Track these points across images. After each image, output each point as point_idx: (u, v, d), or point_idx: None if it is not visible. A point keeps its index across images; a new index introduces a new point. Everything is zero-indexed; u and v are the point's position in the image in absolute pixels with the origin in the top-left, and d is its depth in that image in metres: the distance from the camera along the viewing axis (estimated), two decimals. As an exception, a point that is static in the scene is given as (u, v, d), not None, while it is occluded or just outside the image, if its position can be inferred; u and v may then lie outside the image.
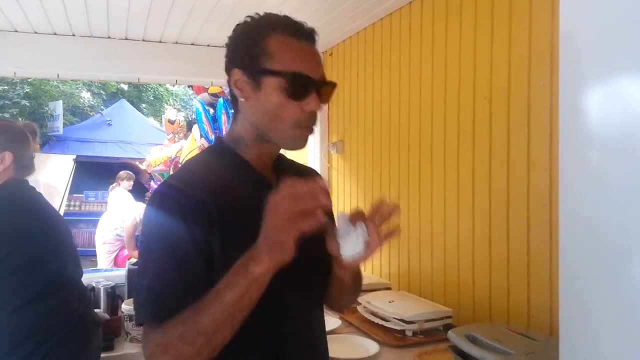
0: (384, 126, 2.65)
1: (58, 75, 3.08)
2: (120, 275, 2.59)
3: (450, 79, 2.16)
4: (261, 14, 1.04)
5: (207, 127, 6.18)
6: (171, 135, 7.03)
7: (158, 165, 6.44)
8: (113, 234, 5.51)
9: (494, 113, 1.92)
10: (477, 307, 2.01)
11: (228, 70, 1.03)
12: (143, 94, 14.74)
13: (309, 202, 0.80)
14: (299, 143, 1.04)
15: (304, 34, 1.01)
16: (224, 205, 0.97)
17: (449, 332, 1.65)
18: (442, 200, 2.22)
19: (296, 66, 0.98)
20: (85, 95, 13.74)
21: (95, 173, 7.36)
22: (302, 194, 0.80)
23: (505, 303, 1.87)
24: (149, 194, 6.45)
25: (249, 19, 1.04)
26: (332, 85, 1.04)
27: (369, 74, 2.79)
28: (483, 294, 1.98)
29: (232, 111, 1.12)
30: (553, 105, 1.63)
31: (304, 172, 1.22)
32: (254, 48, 0.99)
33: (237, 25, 1.05)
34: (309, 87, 0.99)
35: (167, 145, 6.78)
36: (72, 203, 8.42)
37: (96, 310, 2.05)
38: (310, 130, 1.04)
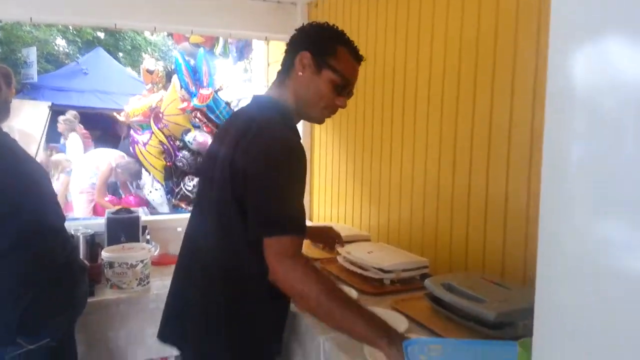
0: (368, 82, 2.62)
1: (31, 19, 2.94)
2: (99, 223, 2.58)
3: (437, 37, 2.13)
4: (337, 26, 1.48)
5: (187, 79, 6.02)
6: (150, 85, 6.82)
7: (137, 115, 6.28)
8: (89, 183, 5.42)
9: (479, 70, 1.91)
10: (454, 259, 2.06)
11: (299, 48, 1.40)
12: (120, 42, 14.23)
13: None
14: (321, 121, 1.50)
15: (359, 59, 1.48)
16: None
17: (426, 280, 1.69)
18: (423, 153, 2.23)
19: (348, 75, 1.42)
20: (60, 42, 13.23)
21: (71, 122, 7.14)
22: None
23: (481, 255, 1.92)
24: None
25: (327, 25, 1.47)
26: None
27: (354, 29, 2.72)
28: (459, 246, 2.02)
29: (280, 76, 1.47)
30: (539, 67, 1.63)
31: None
32: (328, 47, 1.40)
33: (316, 24, 1.48)
34: (346, 91, 1.46)
35: (145, 96, 6.60)
36: (48, 152, 8.23)
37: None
38: (330, 117, 1.50)
